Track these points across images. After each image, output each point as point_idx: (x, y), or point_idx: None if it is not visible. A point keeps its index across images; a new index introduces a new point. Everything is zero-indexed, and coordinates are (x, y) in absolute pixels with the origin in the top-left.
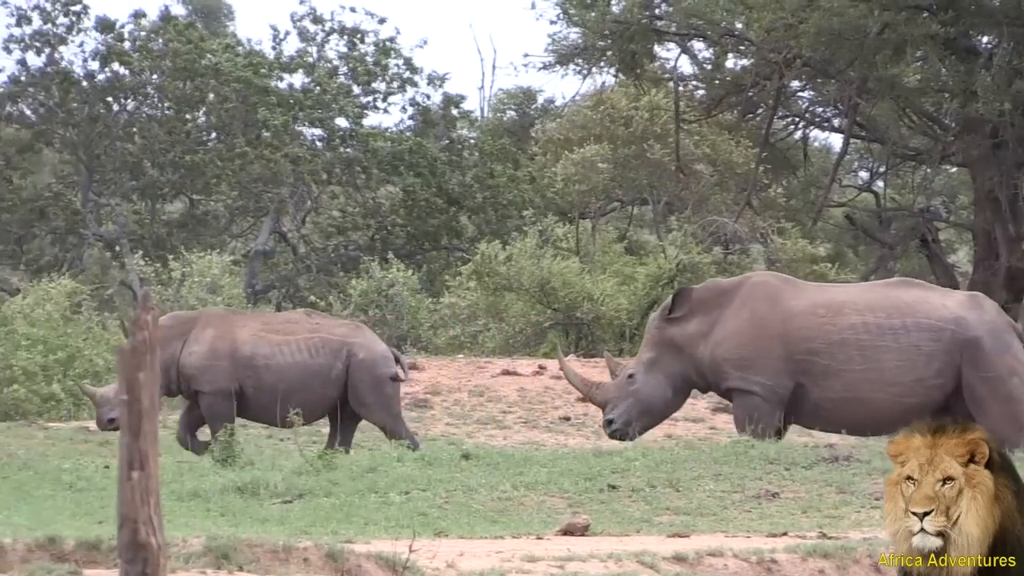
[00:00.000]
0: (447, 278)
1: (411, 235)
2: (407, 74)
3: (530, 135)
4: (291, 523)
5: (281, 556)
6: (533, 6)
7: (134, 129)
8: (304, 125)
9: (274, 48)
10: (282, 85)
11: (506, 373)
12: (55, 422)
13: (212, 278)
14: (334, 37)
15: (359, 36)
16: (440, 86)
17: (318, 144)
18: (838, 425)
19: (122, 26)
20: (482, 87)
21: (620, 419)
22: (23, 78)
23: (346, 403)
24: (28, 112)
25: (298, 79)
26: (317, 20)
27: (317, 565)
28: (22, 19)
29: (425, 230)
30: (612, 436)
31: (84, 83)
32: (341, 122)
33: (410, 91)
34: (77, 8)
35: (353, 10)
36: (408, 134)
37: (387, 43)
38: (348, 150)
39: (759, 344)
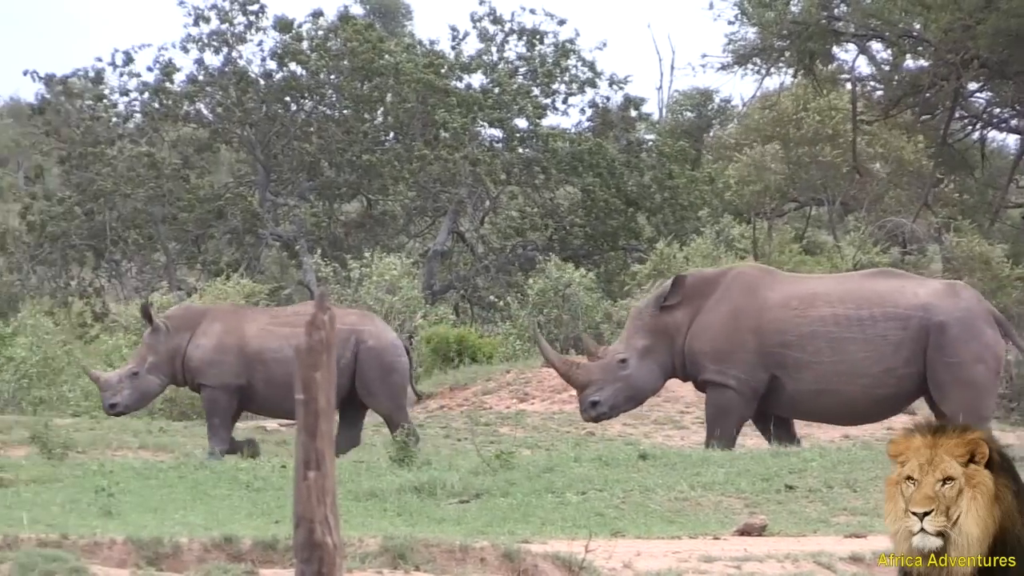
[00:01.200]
0: (624, 279)
1: (589, 235)
2: (587, 75)
3: (706, 136)
4: (468, 523)
5: (458, 556)
6: (711, 6)
7: (311, 129)
8: (483, 125)
9: (453, 48)
10: (460, 85)
11: None
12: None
13: (391, 279)
14: (513, 38)
15: (538, 37)
16: (621, 88)
17: (497, 144)
18: (814, 416)
19: (300, 25)
20: (660, 87)
21: (607, 402)
22: (201, 77)
23: (353, 393)
24: (206, 112)
25: (477, 79)
26: (497, 20)
27: (493, 565)
28: (199, 19)
29: (603, 231)
30: (594, 419)
31: (262, 83)
32: (520, 123)
33: (590, 92)
34: (255, 8)
35: (533, 11)
36: (587, 135)
37: (566, 44)
38: (527, 150)
39: (735, 337)
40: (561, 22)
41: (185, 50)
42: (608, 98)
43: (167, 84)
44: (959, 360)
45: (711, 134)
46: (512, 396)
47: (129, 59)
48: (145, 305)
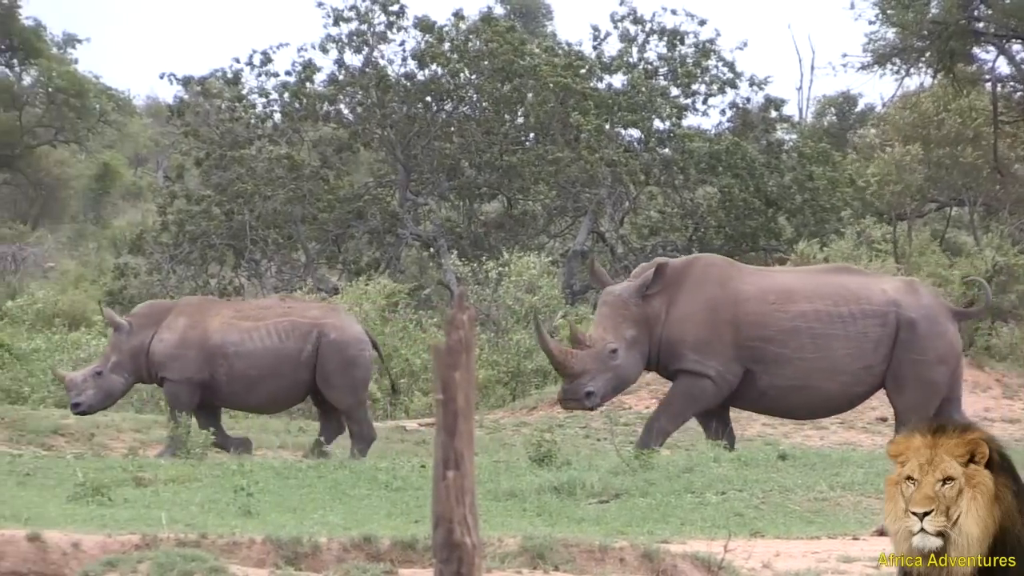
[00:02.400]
0: None
1: (729, 236)
2: (728, 76)
3: (848, 139)
4: (607, 523)
5: (597, 556)
6: (852, 6)
7: (452, 129)
8: (622, 127)
9: (595, 48)
10: (601, 86)
11: None
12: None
13: (530, 278)
14: (654, 38)
15: (679, 37)
16: (761, 89)
17: (636, 145)
18: (782, 412)
19: (440, 26)
20: (800, 88)
21: (599, 392)
22: (341, 78)
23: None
24: (346, 112)
25: (617, 79)
26: (637, 21)
27: (633, 565)
28: (339, 19)
29: (743, 231)
30: (587, 408)
31: (402, 83)
32: (659, 123)
33: (730, 93)
34: (395, 8)
35: (674, 12)
36: (727, 135)
37: (707, 44)
38: (666, 151)
39: (714, 328)
40: (702, 22)
41: (324, 50)
42: (748, 99)
43: (307, 84)
44: (925, 359)
45: (855, 135)
46: (651, 396)
47: (267, 59)
48: (106, 308)
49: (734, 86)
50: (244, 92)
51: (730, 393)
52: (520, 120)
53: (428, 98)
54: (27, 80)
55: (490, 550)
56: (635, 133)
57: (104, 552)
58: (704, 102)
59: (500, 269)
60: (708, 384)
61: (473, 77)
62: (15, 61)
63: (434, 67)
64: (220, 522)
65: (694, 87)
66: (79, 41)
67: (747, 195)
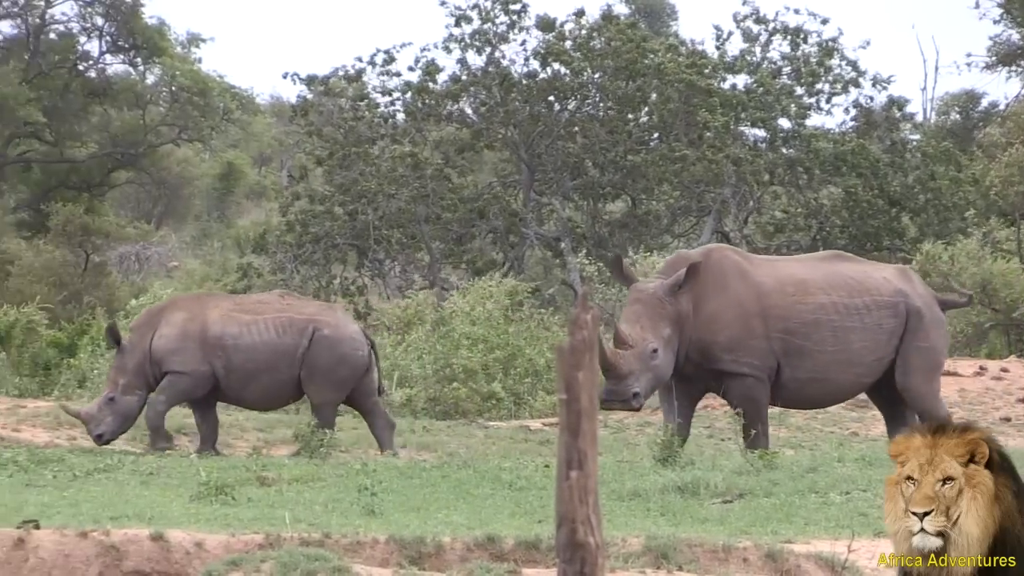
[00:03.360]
0: None
1: (852, 236)
2: (851, 75)
3: (973, 138)
4: (731, 523)
5: (720, 556)
6: (977, 5)
7: (575, 128)
8: (746, 125)
9: (717, 48)
10: (724, 85)
11: (947, 374)
12: (496, 421)
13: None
14: (777, 37)
15: (802, 36)
16: (884, 88)
17: (760, 144)
18: (795, 404)
19: (562, 25)
20: (924, 88)
21: (644, 392)
22: (463, 77)
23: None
24: (468, 111)
25: (740, 79)
26: (760, 20)
27: (756, 565)
28: (461, 19)
29: (866, 231)
30: (632, 408)
31: (525, 82)
32: (783, 122)
33: (853, 92)
34: (517, 7)
35: (796, 11)
36: (850, 135)
37: (830, 44)
38: (790, 150)
39: (745, 324)
40: (824, 21)
41: (447, 50)
42: (871, 98)
43: (430, 84)
44: (930, 345)
45: (979, 134)
46: None
47: (390, 59)
48: (111, 326)
49: (857, 85)
50: (367, 91)
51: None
52: (644, 119)
53: (551, 97)
54: (150, 79)
55: (614, 550)
56: (759, 132)
57: (227, 552)
58: (827, 101)
59: None
60: (751, 381)
61: (596, 76)
62: (139, 60)
63: (557, 66)
64: (344, 522)
65: (817, 86)
66: (203, 40)
67: (871, 195)
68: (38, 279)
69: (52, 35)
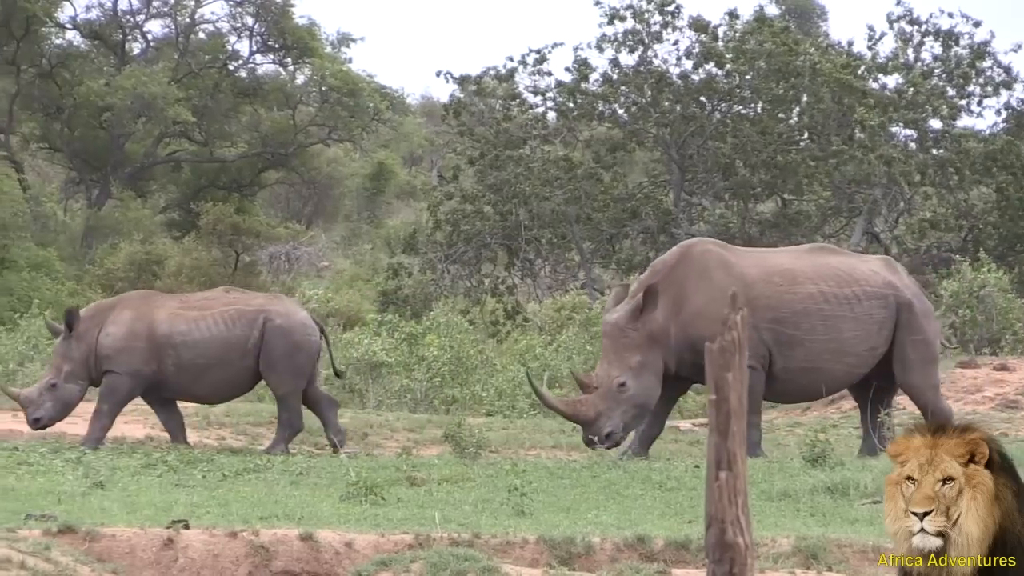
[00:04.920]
0: None
1: (1003, 236)
2: (1003, 77)
3: None
4: (881, 524)
5: (870, 557)
6: None
7: (727, 129)
8: (898, 126)
9: (869, 49)
10: (875, 86)
11: None
12: None
13: None
14: (929, 39)
15: (954, 39)
16: None
17: (911, 145)
18: (788, 396)
19: (716, 26)
20: None
21: (619, 428)
22: (615, 77)
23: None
24: (620, 111)
25: (891, 80)
26: (913, 21)
27: None
28: (614, 18)
29: (1017, 232)
30: (611, 447)
31: (677, 82)
32: (934, 123)
33: (1004, 95)
34: (671, 7)
35: (950, 14)
36: (1001, 135)
37: (982, 46)
38: (940, 151)
39: None
40: (976, 24)
41: (600, 49)
42: (1023, 100)
43: (583, 84)
44: (923, 337)
45: None
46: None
47: (542, 59)
48: (70, 310)
49: (1009, 88)
50: (518, 91)
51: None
52: (794, 120)
53: (703, 98)
54: (300, 79)
55: (763, 550)
56: (909, 133)
57: (377, 551)
58: (979, 103)
59: None
60: (750, 372)
61: (748, 77)
62: (288, 60)
63: (709, 66)
64: (493, 522)
65: (969, 88)
66: (353, 40)
67: (1022, 195)
68: (188, 279)
69: (202, 35)
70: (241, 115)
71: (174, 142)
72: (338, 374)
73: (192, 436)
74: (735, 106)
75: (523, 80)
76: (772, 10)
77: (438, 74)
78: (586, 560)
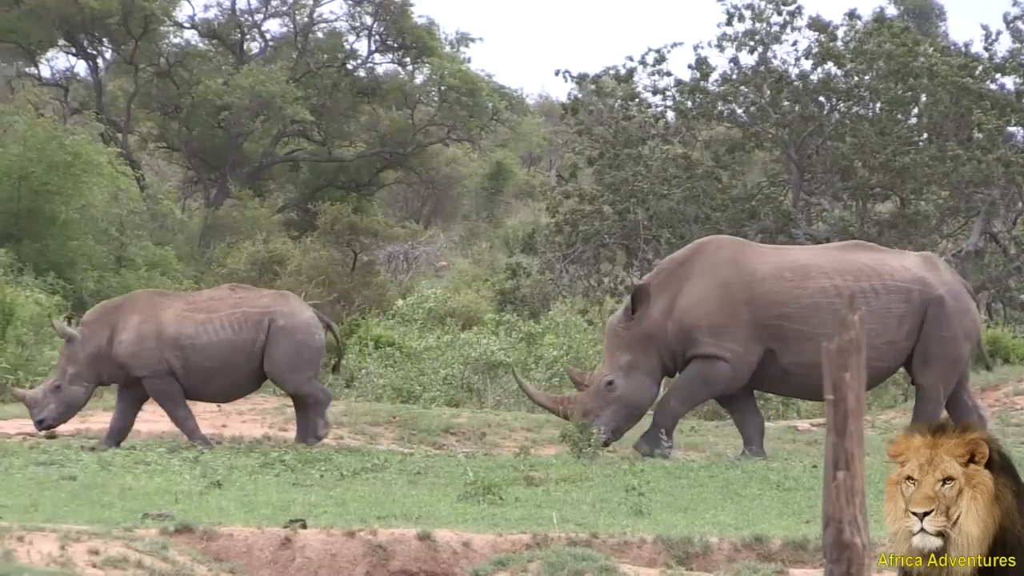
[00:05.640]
0: None
1: None
2: None
3: None
4: None
5: None
6: None
7: (845, 129)
8: (1017, 127)
9: (986, 49)
10: (992, 86)
11: None
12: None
13: None
14: None
15: None
16: None
17: None
18: (804, 391)
19: (835, 27)
20: None
21: (608, 427)
22: (734, 76)
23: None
24: (739, 111)
25: (1009, 80)
26: None
27: None
28: (734, 17)
29: None
30: (602, 446)
31: (796, 83)
32: None
33: None
34: (791, 7)
35: None
36: None
37: None
38: None
39: (728, 310)
40: None
41: (720, 48)
42: None
43: (702, 83)
44: (953, 335)
45: None
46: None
47: (661, 58)
48: (58, 323)
49: None
50: (637, 90)
51: (751, 376)
52: (913, 121)
53: (821, 98)
54: (419, 79)
55: (881, 550)
56: None
57: (494, 551)
58: None
59: None
60: (723, 366)
61: (867, 77)
62: (407, 59)
63: (828, 67)
64: (611, 521)
65: None
66: (472, 40)
67: None
68: (308, 279)
69: (320, 34)
70: (360, 114)
71: (292, 141)
72: (335, 369)
73: None
74: (854, 106)
75: (642, 80)
76: (891, 11)
77: (556, 73)
78: (703, 560)
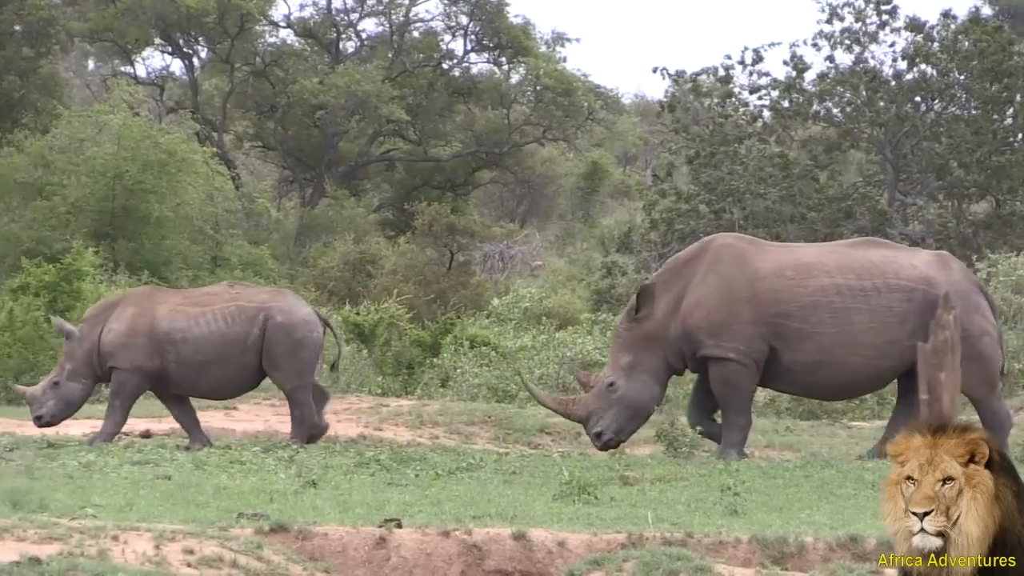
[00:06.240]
0: None
1: None
2: None
3: None
4: None
5: None
6: None
7: (941, 129)
8: None
9: None
10: None
11: None
12: (858, 421)
13: (1018, 279)
14: None
15: None
16: None
17: None
18: (811, 389)
19: (931, 27)
20: None
21: (610, 429)
22: (830, 76)
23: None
24: (835, 111)
25: None
26: None
27: None
28: (833, 16)
29: None
30: (606, 447)
31: (892, 82)
32: None
33: None
34: (888, 7)
35: None
36: None
37: None
38: None
39: (730, 309)
40: None
41: (816, 47)
42: None
43: (798, 82)
44: (966, 334)
45: None
46: None
47: (758, 58)
48: (58, 320)
49: None
50: (734, 89)
51: (760, 373)
52: (1008, 121)
53: (917, 98)
54: (515, 78)
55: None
56: None
57: (589, 551)
58: None
59: (988, 269)
60: (733, 366)
61: (962, 77)
62: (503, 59)
63: (923, 67)
64: (706, 521)
65: None
66: (568, 40)
67: None
68: (404, 279)
69: (416, 33)
70: (455, 114)
71: (388, 141)
72: (334, 367)
73: (405, 435)
74: (949, 106)
75: (739, 79)
76: (986, 10)
77: (654, 70)
78: (798, 560)
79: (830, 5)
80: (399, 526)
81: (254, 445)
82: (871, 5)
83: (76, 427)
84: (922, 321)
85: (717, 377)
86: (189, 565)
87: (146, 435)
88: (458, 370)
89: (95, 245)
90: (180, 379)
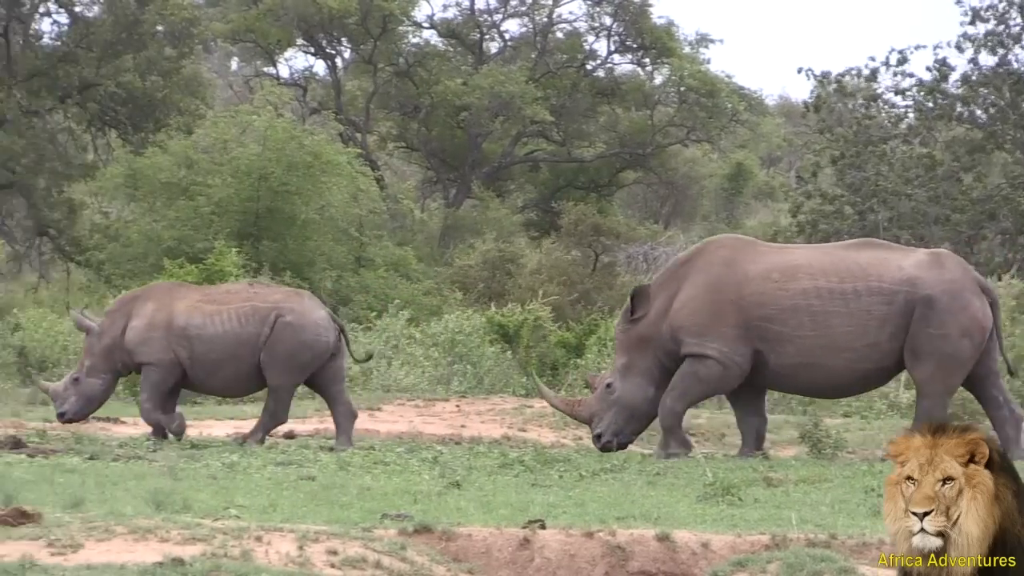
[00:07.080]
0: None
1: None
2: None
3: None
4: None
5: None
6: None
7: None
8: None
9: None
10: None
11: None
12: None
13: None
14: None
15: None
16: None
17: None
18: (797, 390)
19: None
20: None
21: (608, 431)
22: (974, 78)
23: (314, 375)
24: (979, 112)
25: None
26: None
27: None
28: (976, 18)
29: None
30: (604, 449)
31: None
32: None
33: None
34: None
35: None
36: None
37: None
38: None
39: (715, 310)
40: None
41: (960, 49)
42: None
43: (942, 84)
44: (945, 332)
45: None
46: None
47: (903, 59)
48: (73, 312)
49: None
50: (879, 91)
51: (745, 376)
52: None
53: None
54: (658, 79)
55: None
56: None
57: (733, 552)
58: None
59: None
60: (713, 364)
61: None
62: (647, 60)
63: None
64: (850, 523)
65: None
66: (711, 41)
67: None
68: (548, 279)
69: (559, 34)
70: (599, 115)
71: (531, 142)
72: (356, 360)
73: (549, 436)
74: None
75: (884, 80)
76: None
77: (799, 71)
78: None
79: (972, 8)
80: (543, 527)
81: (398, 446)
82: (1014, 7)
83: (219, 428)
84: (903, 323)
85: (689, 369)
86: (332, 566)
87: (289, 436)
88: (601, 371)
89: (238, 245)
90: (193, 376)
